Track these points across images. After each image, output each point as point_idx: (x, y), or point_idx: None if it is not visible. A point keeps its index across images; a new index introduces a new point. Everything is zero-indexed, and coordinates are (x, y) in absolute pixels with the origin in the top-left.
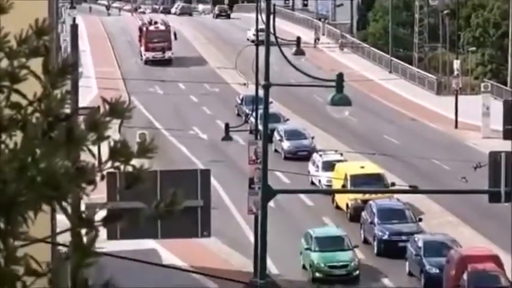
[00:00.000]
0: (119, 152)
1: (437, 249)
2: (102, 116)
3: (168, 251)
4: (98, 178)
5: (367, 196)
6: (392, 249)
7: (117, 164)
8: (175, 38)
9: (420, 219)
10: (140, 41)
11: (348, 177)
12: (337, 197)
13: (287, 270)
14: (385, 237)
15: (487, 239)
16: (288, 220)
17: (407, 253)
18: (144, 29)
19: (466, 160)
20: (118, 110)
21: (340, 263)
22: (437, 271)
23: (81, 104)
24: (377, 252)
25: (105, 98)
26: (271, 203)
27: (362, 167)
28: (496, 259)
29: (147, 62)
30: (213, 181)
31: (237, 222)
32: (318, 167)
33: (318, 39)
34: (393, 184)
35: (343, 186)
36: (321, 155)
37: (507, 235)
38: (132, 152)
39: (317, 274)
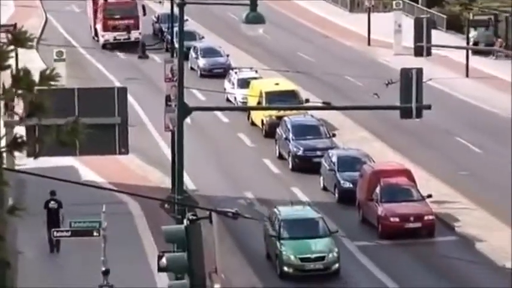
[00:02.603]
0: (22, 79)
1: (350, 164)
2: (4, 45)
3: (87, 168)
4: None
5: (281, 112)
6: (306, 165)
7: (20, 91)
8: (144, 14)
9: (334, 135)
10: (95, 16)
11: (263, 94)
12: (253, 113)
13: (204, 186)
14: (300, 152)
15: (399, 154)
16: (204, 137)
17: (322, 168)
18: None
19: (378, 77)
20: (21, 39)
21: (315, 255)
22: (351, 185)
23: None
24: (292, 167)
25: (9, 28)
26: (187, 120)
27: (276, 84)
28: (407, 173)
29: (106, 45)
30: (130, 99)
31: (154, 139)
32: (233, 84)
33: None
34: (307, 100)
35: (258, 103)
36: (236, 73)
37: (418, 150)
38: (34, 80)
39: (285, 269)
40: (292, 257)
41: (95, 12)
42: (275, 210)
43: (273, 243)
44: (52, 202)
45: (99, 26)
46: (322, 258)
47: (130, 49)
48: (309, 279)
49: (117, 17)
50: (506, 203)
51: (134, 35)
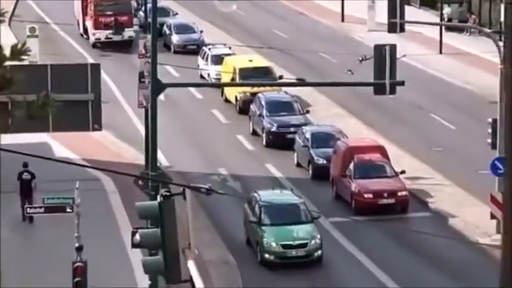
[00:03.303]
0: None
1: (324, 140)
2: None
3: (60, 145)
4: None
5: (255, 89)
6: (280, 141)
7: None
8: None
9: (308, 111)
10: (84, 13)
11: (237, 71)
12: (226, 90)
13: (178, 162)
14: (274, 129)
15: (373, 130)
16: (178, 113)
17: (295, 144)
18: None
19: (352, 53)
20: None
21: (297, 242)
22: (325, 162)
23: None
24: (265, 143)
25: None
26: (161, 97)
27: (250, 61)
28: (381, 149)
29: (97, 44)
30: (103, 75)
31: (128, 115)
32: (207, 60)
33: None
34: (281, 77)
35: (232, 79)
36: (209, 49)
37: (392, 126)
38: (5, 54)
39: (266, 256)
40: (273, 244)
41: (85, 7)
42: (255, 194)
43: (254, 229)
44: (25, 174)
45: (89, 23)
46: (305, 245)
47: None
48: (291, 267)
49: (110, 13)
50: (480, 179)
51: (128, 33)
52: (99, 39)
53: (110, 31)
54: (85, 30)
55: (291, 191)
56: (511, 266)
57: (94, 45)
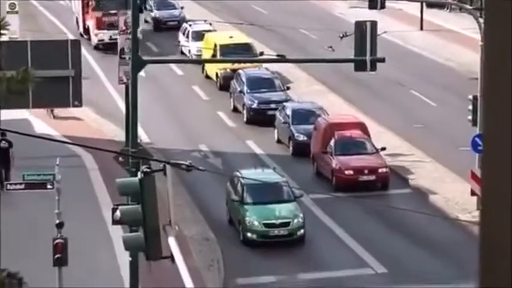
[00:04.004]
0: None
1: (305, 117)
2: None
3: (41, 121)
4: None
5: (236, 65)
6: (261, 118)
7: None
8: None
9: (288, 88)
10: (85, 10)
11: (217, 47)
12: (207, 66)
13: (158, 139)
14: (254, 105)
15: (353, 107)
16: (158, 90)
17: (276, 121)
18: None
19: (333, 29)
20: None
21: (279, 221)
22: (305, 138)
23: None
24: (246, 120)
25: None
26: (141, 73)
27: (231, 37)
28: (362, 126)
29: (99, 46)
30: (84, 51)
31: (108, 92)
32: (187, 37)
33: None
34: (262, 53)
35: (213, 56)
36: (190, 25)
37: (372, 103)
38: None
39: (249, 235)
40: (256, 223)
41: (86, 5)
42: (237, 173)
43: (236, 208)
44: (3, 142)
45: (91, 23)
46: (287, 224)
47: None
48: (273, 246)
49: (115, 12)
50: (460, 156)
51: None
52: (103, 40)
53: (115, 31)
54: (86, 30)
55: (274, 170)
56: (489, 238)
57: (96, 47)
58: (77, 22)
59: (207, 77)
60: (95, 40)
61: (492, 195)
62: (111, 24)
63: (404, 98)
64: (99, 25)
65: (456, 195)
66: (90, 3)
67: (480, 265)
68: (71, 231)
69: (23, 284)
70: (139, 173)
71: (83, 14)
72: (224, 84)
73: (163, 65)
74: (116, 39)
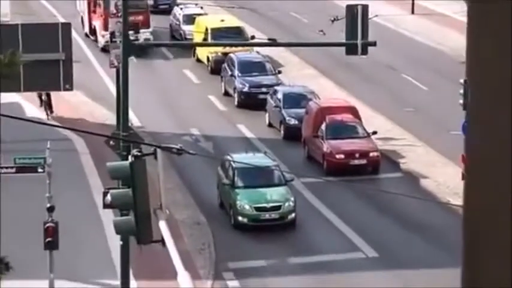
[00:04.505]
0: None
1: (296, 101)
2: None
3: (32, 104)
4: None
5: (227, 49)
6: (252, 101)
7: None
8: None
9: (279, 72)
10: (92, 10)
11: (209, 31)
12: (198, 50)
13: (149, 123)
14: (245, 89)
15: (344, 91)
16: (150, 73)
17: (267, 105)
18: None
19: (324, 13)
20: None
21: (270, 204)
22: (296, 122)
23: None
24: (237, 104)
25: None
26: (132, 58)
27: (222, 21)
28: (353, 110)
29: (106, 48)
30: (74, 34)
31: (100, 75)
32: (178, 20)
33: None
34: (253, 37)
35: (204, 39)
36: (181, 9)
37: (364, 87)
38: None
39: (240, 218)
40: (247, 207)
41: (92, 4)
42: (228, 157)
43: (227, 192)
44: None
45: (98, 23)
46: (278, 207)
47: None
48: (264, 229)
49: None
50: (451, 140)
51: (144, 35)
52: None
53: None
54: (92, 31)
55: (265, 154)
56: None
57: (104, 49)
58: (82, 22)
59: (198, 60)
60: (102, 41)
61: (476, 177)
62: None
63: (395, 82)
64: (107, 26)
65: (447, 179)
66: (97, 3)
67: (464, 250)
68: (61, 215)
69: (9, 269)
70: (130, 157)
71: (89, 14)
72: (215, 68)
73: (155, 48)
74: None
